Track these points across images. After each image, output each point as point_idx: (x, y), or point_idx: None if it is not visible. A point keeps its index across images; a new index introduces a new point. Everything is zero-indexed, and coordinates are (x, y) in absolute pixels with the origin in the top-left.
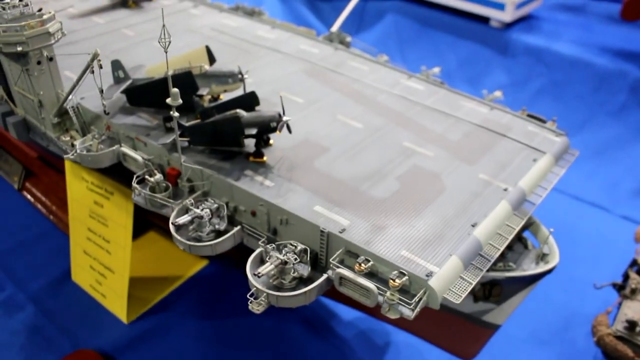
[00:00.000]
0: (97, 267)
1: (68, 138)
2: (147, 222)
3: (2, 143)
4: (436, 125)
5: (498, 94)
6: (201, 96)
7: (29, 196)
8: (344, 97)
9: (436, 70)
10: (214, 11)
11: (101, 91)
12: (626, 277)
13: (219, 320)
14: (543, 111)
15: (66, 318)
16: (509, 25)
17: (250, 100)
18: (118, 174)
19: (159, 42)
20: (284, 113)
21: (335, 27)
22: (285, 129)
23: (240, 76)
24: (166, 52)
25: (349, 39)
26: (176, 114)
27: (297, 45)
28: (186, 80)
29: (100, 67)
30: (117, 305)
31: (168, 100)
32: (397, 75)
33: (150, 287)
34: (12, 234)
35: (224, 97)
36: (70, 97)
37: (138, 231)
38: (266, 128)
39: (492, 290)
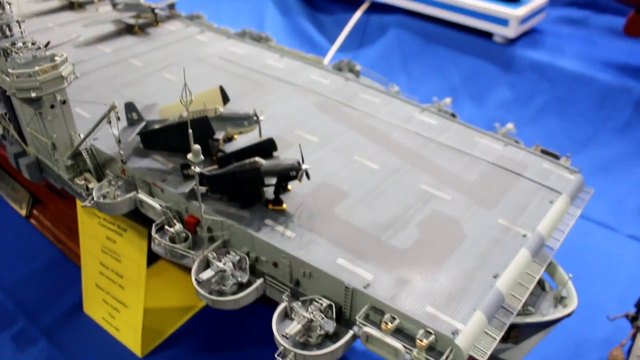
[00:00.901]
0: (110, 300)
1: (83, 182)
2: None
3: (9, 169)
4: (452, 164)
5: (510, 126)
6: (217, 139)
7: (36, 224)
8: (358, 135)
9: (447, 101)
10: (221, 37)
11: (119, 141)
12: (639, 307)
13: (234, 351)
14: (547, 128)
15: (80, 351)
16: (512, 41)
17: (268, 147)
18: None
19: (181, 100)
20: (302, 161)
21: (338, 42)
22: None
23: (255, 118)
24: (187, 111)
25: (358, 67)
26: (197, 170)
27: (308, 75)
28: (203, 125)
29: (118, 118)
30: (131, 338)
31: (189, 157)
32: (409, 109)
33: (164, 318)
34: (21, 263)
35: (238, 137)
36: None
37: (148, 259)
38: (286, 177)
39: (510, 332)
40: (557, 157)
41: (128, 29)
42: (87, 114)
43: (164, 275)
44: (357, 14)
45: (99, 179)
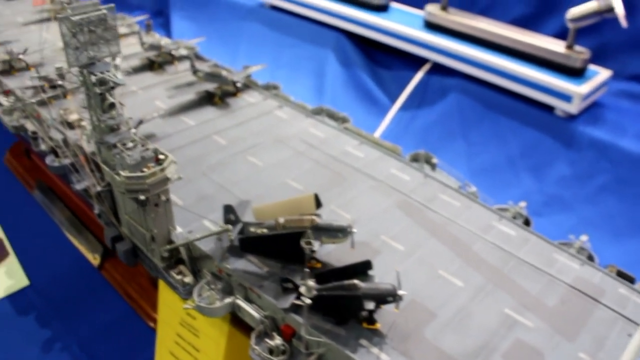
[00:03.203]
0: None
1: (179, 276)
2: None
3: (85, 220)
4: (532, 285)
5: (584, 238)
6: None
7: (108, 276)
8: (441, 245)
9: (522, 205)
10: (299, 115)
11: (223, 257)
12: None
13: None
14: (606, 209)
15: None
16: (573, 116)
17: (364, 268)
18: None
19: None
20: (399, 287)
21: (399, 102)
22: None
23: (349, 230)
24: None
25: (434, 160)
26: (308, 301)
27: (387, 168)
28: (300, 239)
29: (231, 241)
30: None
31: (303, 290)
32: (488, 216)
33: None
34: (93, 316)
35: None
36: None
37: None
38: (383, 301)
39: None
40: (632, 281)
41: (208, 98)
42: (179, 199)
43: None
44: (419, 75)
45: (193, 272)
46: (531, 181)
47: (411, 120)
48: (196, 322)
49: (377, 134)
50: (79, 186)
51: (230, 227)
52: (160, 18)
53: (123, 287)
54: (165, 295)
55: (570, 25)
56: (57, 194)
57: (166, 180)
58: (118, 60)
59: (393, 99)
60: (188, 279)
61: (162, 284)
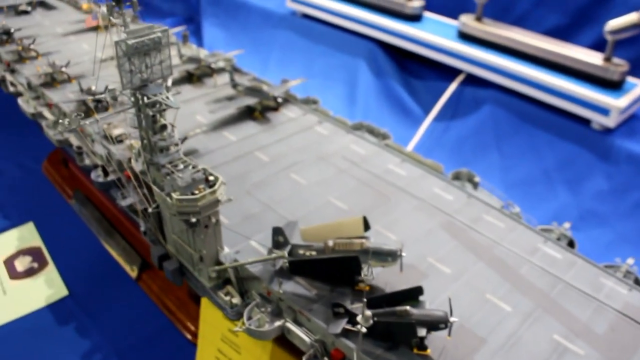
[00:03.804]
0: None
1: (228, 297)
2: None
3: (122, 231)
4: (581, 310)
5: (631, 262)
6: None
7: (145, 288)
8: (488, 268)
9: (567, 225)
10: (340, 131)
11: (276, 281)
12: None
13: None
14: None
15: None
16: (610, 129)
17: (416, 293)
18: None
19: None
20: (451, 314)
21: (433, 113)
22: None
23: (399, 254)
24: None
25: (477, 178)
26: (364, 330)
27: (430, 187)
28: (352, 264)
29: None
30: None
31: (359, 319)
32: (533, 238)
33: None
34: (132, 327)
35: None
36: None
37: None
38: (435, 328)
39: None
40: None
41: (249, 112)
42: (225, 218)
43: None
44: (453, 86)
45: (241, 293)
46: (567, 195)
47: (444, 131)
48: (238, 338)
49: (411, 145)
50: (124, 203)
51: (285, 253)
52: (191, 25)
53: (161, 299)
54: (207, 311)
55: (609, 38)
56: (94, 204)
57: (217, 202)
58: (169, 82)
59: (426, 109)
60: (236, 299)
61: (204, 300)
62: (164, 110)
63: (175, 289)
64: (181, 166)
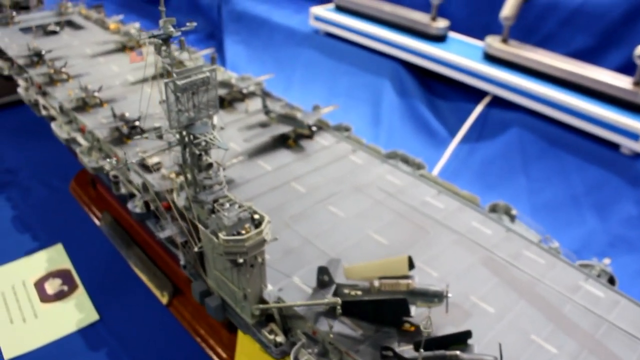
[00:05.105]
0: None
1: (272, 336)
2: None
3: (153, 255)
4: (627, 353)
5: None
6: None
7: (176, 314)
8: (531, 307)
9: (607, 261)
10: (374, 160)
11: (330, 328)
12: None
13: None
14: None
15: None
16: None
17: (464, 337)
18: None
19: None
20: (501, 358)
21: (460, 135)
22: None
23: (445, 295)
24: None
25: (514, 211)
26: None
27: (468, 221)
28: (400, 307)
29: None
30: None
31: None
32: (574, 275)
33: None
34: (163, 354)
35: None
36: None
37: None
38: None
39: None
40: None
41: (282, 140)
42: (267, 254)
43: None
44: (479, 108)
45: (284, 331)
46: (595, 221)
47: (470, 154)
48: None
49: (438, 167)
50: (162, 235)
51: (339, 300)
52: (213, 41)
53: (192, 325)
54: (245, 342)
55: (639, 62)
56: (124, 228)
57: (263, 242)
58: (215, 120)
59: (451, 131)
60: (280, 338)
61: (240, 335)
62: (210, 148)
63: (207, 316)
64: (227, 205)
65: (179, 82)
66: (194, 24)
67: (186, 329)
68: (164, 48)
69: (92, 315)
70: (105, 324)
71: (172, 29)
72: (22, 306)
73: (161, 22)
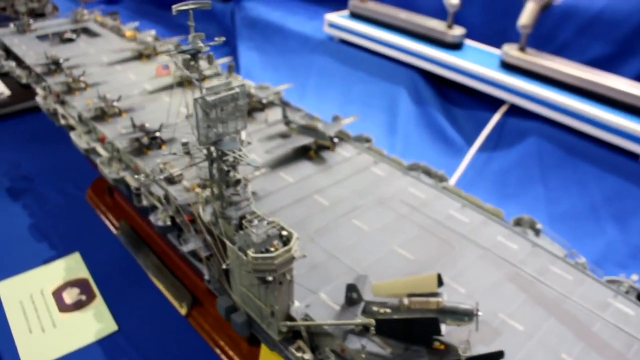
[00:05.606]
0: None
1: (300, 353)
2: None
3: (171, 265)
4: None
5: None
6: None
7: (195, 325)
8: (560, 325)
9: (635, 277)
10: (396, 172)
11: (362, 348)
12: None
13: None
14: None
15: None
16: None
17: (497, 358)
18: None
19: None
20: None
21: (477, 144)
22: None
23: (475, 313)
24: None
25: (539, 225)
26: None
27: (494, 235)
28: (431, 326)
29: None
30: None
31: None
32: (602, 291)
33: None
34: None
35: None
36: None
37: None
38: None
39: None
40: None
41: (303, 151)
42: (294, 269)
43: None
44: (496, 117)
45: (312, 349)
46: (615, 231)
47: (487, 163)
48: None
49: (455, 176)
50: (186, 249)
51: (372, 321)
52: (227, 47)
53: (212, 336)
54: (267, 356)
55: None
56: (141, 237)
57: (292, 259)
58: (243, 135)
59: (468, 139)
60: (308, 355)
61: (263, 349)
62: (238, 164)
63: (227, 327)
64: (255, 221)
65: (209, 99)
66: (223, 38)
67: (205, 340)
68: (192, 63)
69: (111, 326)
70: (124, 334)
71: (201, 44)
72: (41, 315)
73: (190, 37)
